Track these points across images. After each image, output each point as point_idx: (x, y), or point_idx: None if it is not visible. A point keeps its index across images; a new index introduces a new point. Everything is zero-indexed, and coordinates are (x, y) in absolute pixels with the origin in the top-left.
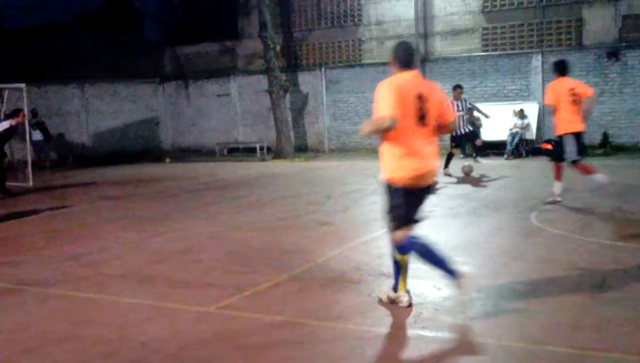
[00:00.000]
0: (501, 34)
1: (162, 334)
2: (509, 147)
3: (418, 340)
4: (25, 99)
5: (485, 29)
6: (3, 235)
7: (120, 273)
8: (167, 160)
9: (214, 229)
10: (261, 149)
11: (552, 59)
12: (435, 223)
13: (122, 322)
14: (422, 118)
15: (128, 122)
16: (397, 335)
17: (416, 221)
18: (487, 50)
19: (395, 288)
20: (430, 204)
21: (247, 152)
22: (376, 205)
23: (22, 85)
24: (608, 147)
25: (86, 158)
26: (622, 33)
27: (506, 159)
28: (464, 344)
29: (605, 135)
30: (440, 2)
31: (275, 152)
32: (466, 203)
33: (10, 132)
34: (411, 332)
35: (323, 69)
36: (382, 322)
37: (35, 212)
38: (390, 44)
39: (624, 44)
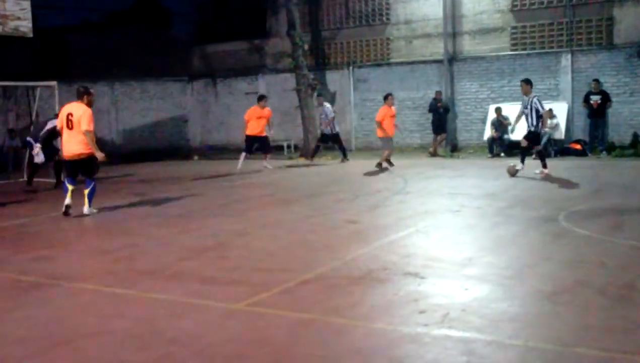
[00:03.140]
0: (530, 33)
1: (191, 330)
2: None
3: (445, 340)
4: (56, 97)
5: (514, 27)
6: (35, 230)
7: (150, 269)
8: (195, 157)
9: (242, 227)
10: (288, 147)
11: (582, 58)
12: (462, 223)
13: (152, 318)
14: (69, 125)
15: (157, 120)
16: (424, 335)
17: (75, 174)
18: (516, 50)
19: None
20: (458, 204)
21: (274, 149)
22: (403, 204)
23: (54, 83)
24: (639, 147)
25: (115, 155)
26: None
27: (534, 158)
28: (491, 345)
29: (636, 136)
30: (469, 1)
31: (303, 150)
32: (494, 203)
33: (55, 132)
34: (438, 331)
35: (351, 68)
36: (409, 322)
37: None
38: (419, 43)
39: None
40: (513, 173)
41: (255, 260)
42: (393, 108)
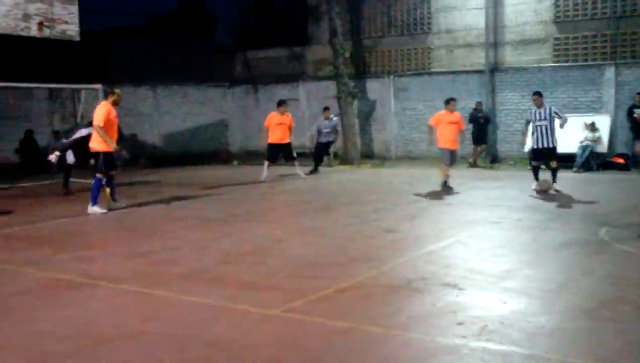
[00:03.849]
0: (573, 45)
1: (227, 334)
2: (578, 160)
3: (483, 352)
4: (100, 99)
5: (557, 39)
6: (76, 230)
7: (188, 272)
8: (235, 162)
9: (279, 232)
10: (327, 154)
11: (626, 71)
12: (502, 235)
13: (190, 321)
14: (113, 125)
15: (198, 124)
16: (461, 347)
17: (114, 168)
18: (558, 61)
19: (94, 202)
20: (498, 216)
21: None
22: (443, 214)
23: (98, 86)
24: None
25: (157, 158)
26: None
27: (575, 172)
28: (529, 359)
29: None
30: (512, 11)
31: (342, 158)
32: (534, 216)
33: (87, 139)
34: (476, 344)
35: (391, 77)
36: (447, 333)
37: (107, 209)
38: (460, 52)
39: None
40: (544, 190)
41: (292, 266)
42: (456, 113)
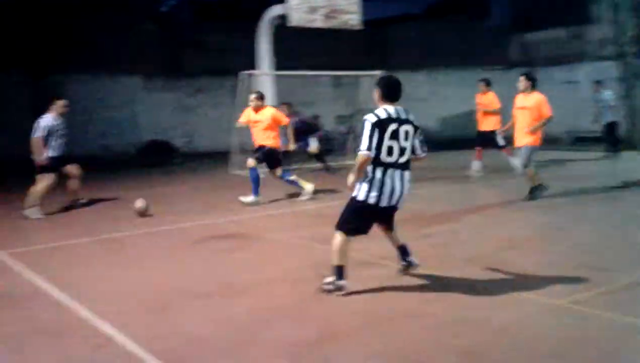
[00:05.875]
0: None
1: (511, 322)
2: None
3: None
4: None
5: None
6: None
7: (470, 256)
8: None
9: (559, 219)
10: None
11: None
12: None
13: (472, 305)
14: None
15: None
16: None
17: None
18: None
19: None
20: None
21: (593, 142)
22: None
23: (378, 73)
24: None
25: (431, 142)
26: None
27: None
28: None
29: None
30: None
31: (627, 143)
32: None
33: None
34: None
35: None
36: None
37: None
38: None
39: None
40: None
41: (577, 255)
42: None
